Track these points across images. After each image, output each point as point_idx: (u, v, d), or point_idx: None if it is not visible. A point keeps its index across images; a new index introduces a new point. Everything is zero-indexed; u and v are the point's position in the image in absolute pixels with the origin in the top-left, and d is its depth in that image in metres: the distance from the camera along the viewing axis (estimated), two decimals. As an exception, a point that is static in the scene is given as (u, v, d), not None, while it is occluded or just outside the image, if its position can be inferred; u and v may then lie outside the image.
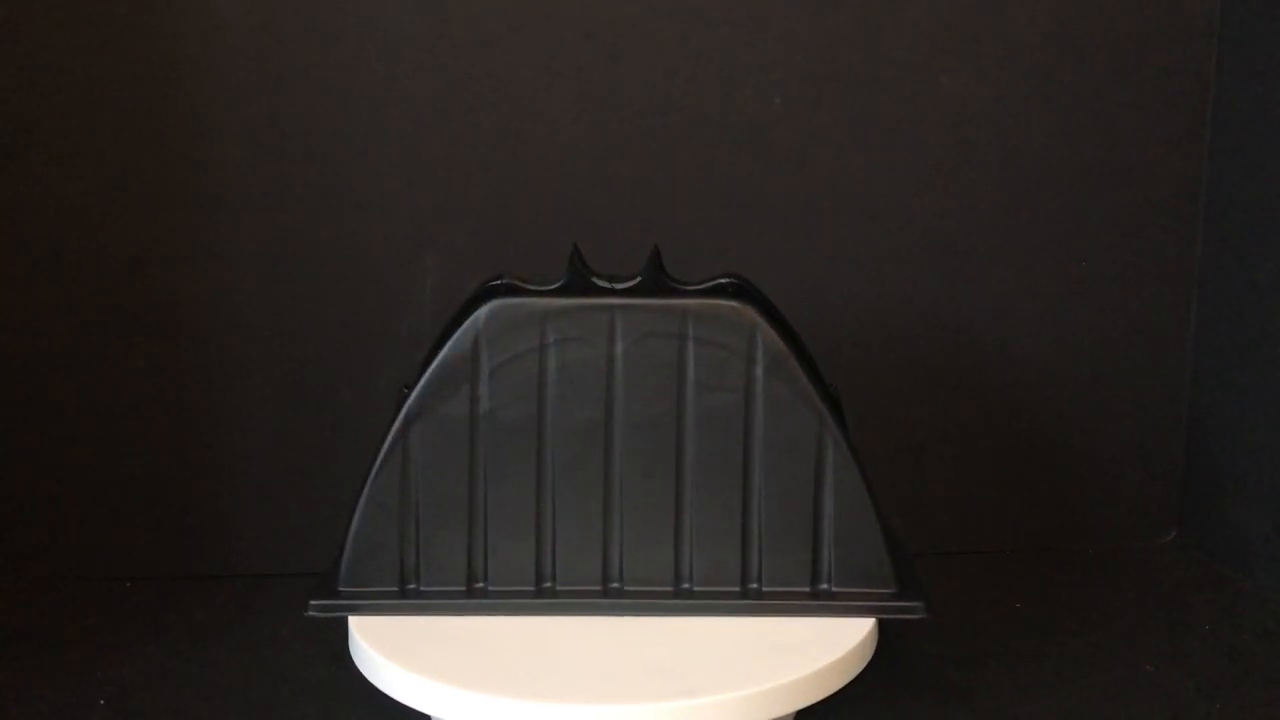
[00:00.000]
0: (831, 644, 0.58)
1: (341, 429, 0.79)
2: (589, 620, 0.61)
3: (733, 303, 0.61)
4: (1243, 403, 0.81)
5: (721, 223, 0.80)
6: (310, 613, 0.61)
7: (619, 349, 0.61)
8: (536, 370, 0.61)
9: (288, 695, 0.65)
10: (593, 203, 0.79)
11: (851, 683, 0.59)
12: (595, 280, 0.62)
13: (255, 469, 0.80)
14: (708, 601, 0.61)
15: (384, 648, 0.58)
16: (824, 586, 0.62)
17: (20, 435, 0.78)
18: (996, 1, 0.80)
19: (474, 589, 0.61)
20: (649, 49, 0.79)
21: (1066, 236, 0.83)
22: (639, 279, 0.62)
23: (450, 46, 0.78)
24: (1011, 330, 0.83)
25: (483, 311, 0.61)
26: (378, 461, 0.61)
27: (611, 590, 0.62)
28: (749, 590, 0.62)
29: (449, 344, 0.61)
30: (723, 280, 0.62)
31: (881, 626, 0.61)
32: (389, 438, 0.61)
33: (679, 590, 0.62)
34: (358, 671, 0.59)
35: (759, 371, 0.61)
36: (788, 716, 0.58)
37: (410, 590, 0.61)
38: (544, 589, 0.62)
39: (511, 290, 0.62)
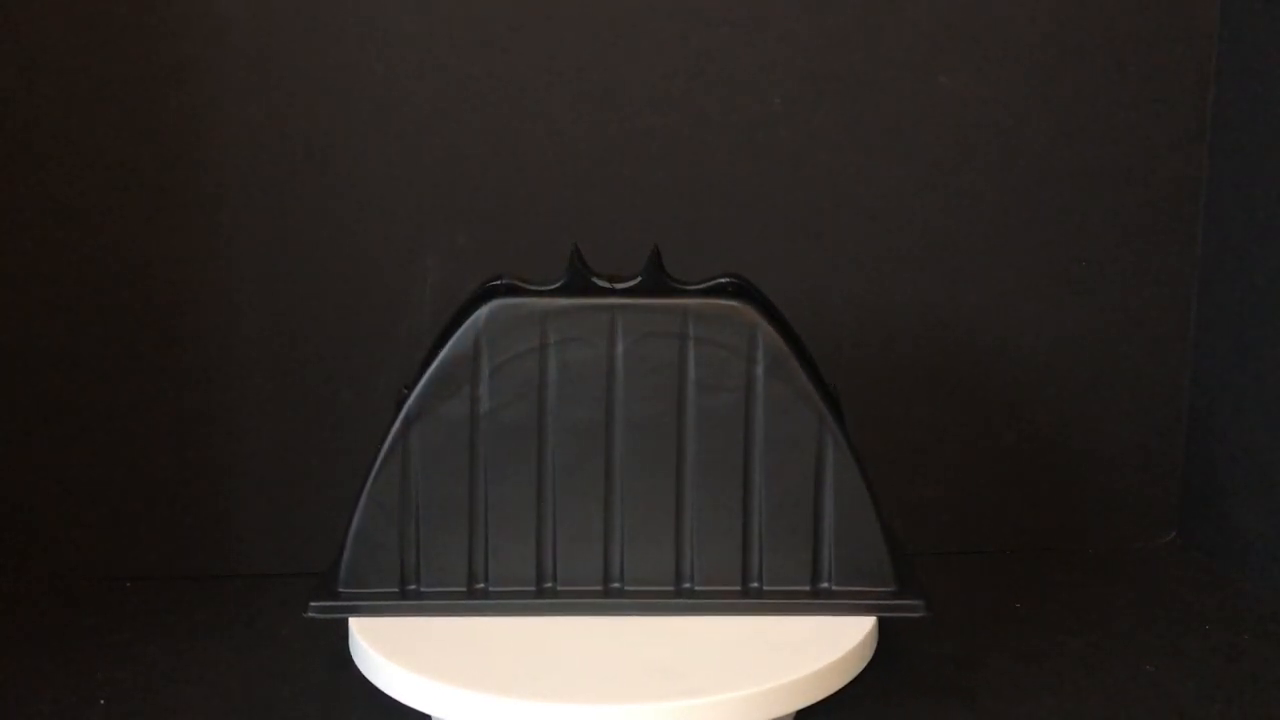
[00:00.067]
0: (831, 643, 0.58)
1: (341, 429, 0.79)
2: (589, 620, 0.61)
3: (733, 302, 0.61)
4: (1242, 403, 0.81)
5: (721, 223, 0.80)
6: (310, 614, 0.61)
7: (619, 349, 0.61)
8: (537, 370, 0.61)
9: (288, 695, 0.65)
10: (593, 203, 0.79)
11: (851, 682, 0.59)
12: (595, 280, 0.62)
13: (255, 469, 0.80)
14: (708, 601, 0.61)
15: (384, 648, 0.58)
16: (824, 585, 0.62)
17: (21, 435, 0.78)
18: (996, 1, 0.80)
19: (474, 589, 0.61)
20: (649, 49, 0.79)
21: (1066, 236, 0.83)
22: (639, 279, 0.62)
23: (450, 46, 0.78)
24: (1011, 330, 0.83)
25: (483, 311, 0.61)
26: (378, 462, 0.61)
27: (612, 590, 0.62)
28: (749, 589, 0.62)
29: (449, 344, 0.61)
30: (723, 280, 0.62)
31: (881, 626, 0.61)
32: (389, 438, 0.61)
33: (679, 590, 0.62)
34: (358, 671, 0.59)
35: (759, 371, 0.61)
36: (788, 716, 0.58)
37: (410, 591, 0.61)
38: (544, 589, 0.62)
39: (511, 290, 0.62)
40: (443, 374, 0.61)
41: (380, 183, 0.78)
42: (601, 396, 0.61)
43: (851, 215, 0.81)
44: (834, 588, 0.62)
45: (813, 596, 0.62)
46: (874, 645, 0.61)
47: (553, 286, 0.62)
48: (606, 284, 0.62)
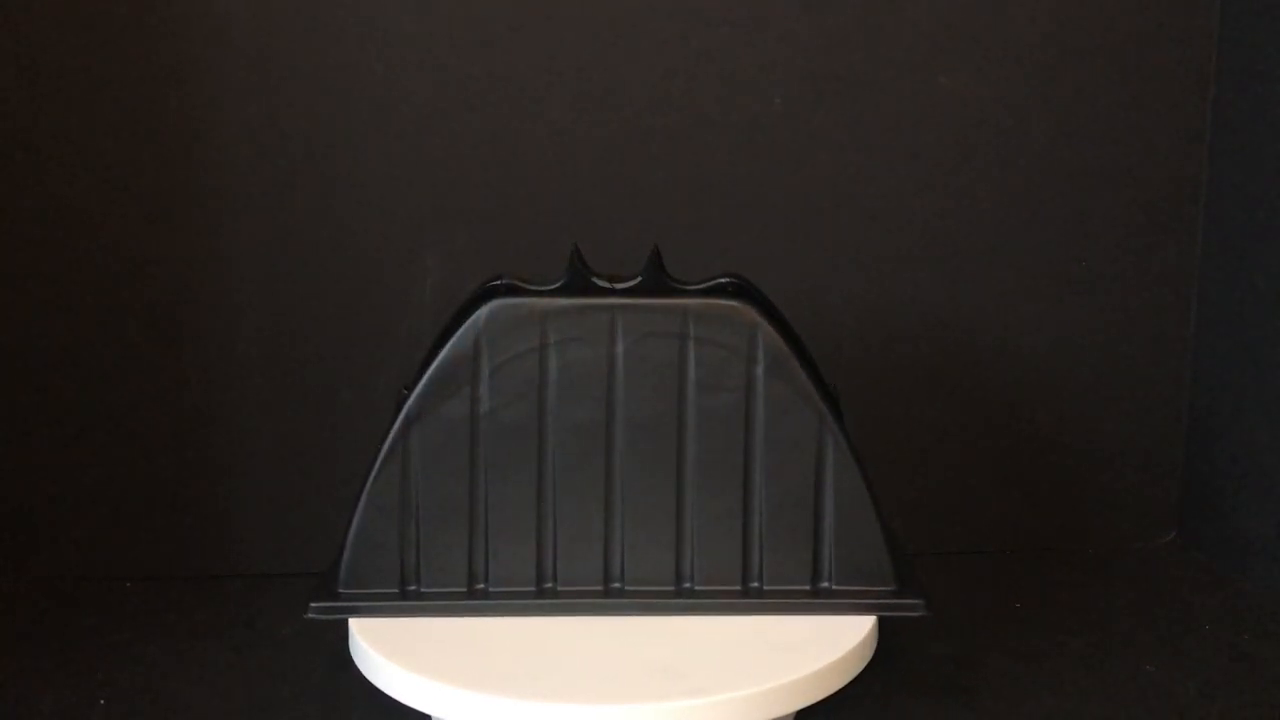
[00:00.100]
0: (831, 643, 0.58)
1: (341, 429, 0.79)
2: (590, 620, 0.61)
3: (733, 302, 0.61)
4: (1242, 403, 0.81)
5: (721, 223, 0.80)
6: (310, 615, 0.61)
7: (619, 349, 0.61)
8: (537, 370, 0.61)
9: (288, 695, 0.65)
10: (593, 203, 0.79)
11: (851, 682, 0.59)
12: (595, 280, 0.62)
13: (255, 469, 0.80)
14: (708, 601, 0.61)
15: (384, 648, 0.58)
16: (824, 585, 0.62)
17: (21, 435, 0.78)
18: (996, 1, 0.80)
19: (474, 590, 0.61)
20: (649, 49, 0.79)
21: (1066, 236, 0.83)
22: (639, 279, 0.62)
23: (450, 46, 0.78)
24: (1011, 330, 0.83)
25: (483, 311, 0.61)
26: (378, 462, 0.61)
27: (612, 590, 0.62)
28: (750, 589, 0.62)
29: (449, 344, 0.61)
30: (723, 280, 0.62)
31: (881, 625, 0.61)
32: (389, 438, 0.61)
33: (680, 590, 0.62)
34: (358, 672, 0.59)
35: (759, 371, 0.61)
36: (788, 716, 0.58)
37: (410, 591, 0.61)
38: (545, 589, 0.62)
39: (511, 290, 0.61)
40: (443, 374, 0.61)
41: (380, 183, 0.78)
42: (602, 396, 0.61)
43: (851, 215, 0.81)
44: (834, 587, 0.62)
45: (813, 596, 0.61)
46: (874, 645, 0.61)
47: (553, 286, 0.62)
48: (606, 284, 0.62)
